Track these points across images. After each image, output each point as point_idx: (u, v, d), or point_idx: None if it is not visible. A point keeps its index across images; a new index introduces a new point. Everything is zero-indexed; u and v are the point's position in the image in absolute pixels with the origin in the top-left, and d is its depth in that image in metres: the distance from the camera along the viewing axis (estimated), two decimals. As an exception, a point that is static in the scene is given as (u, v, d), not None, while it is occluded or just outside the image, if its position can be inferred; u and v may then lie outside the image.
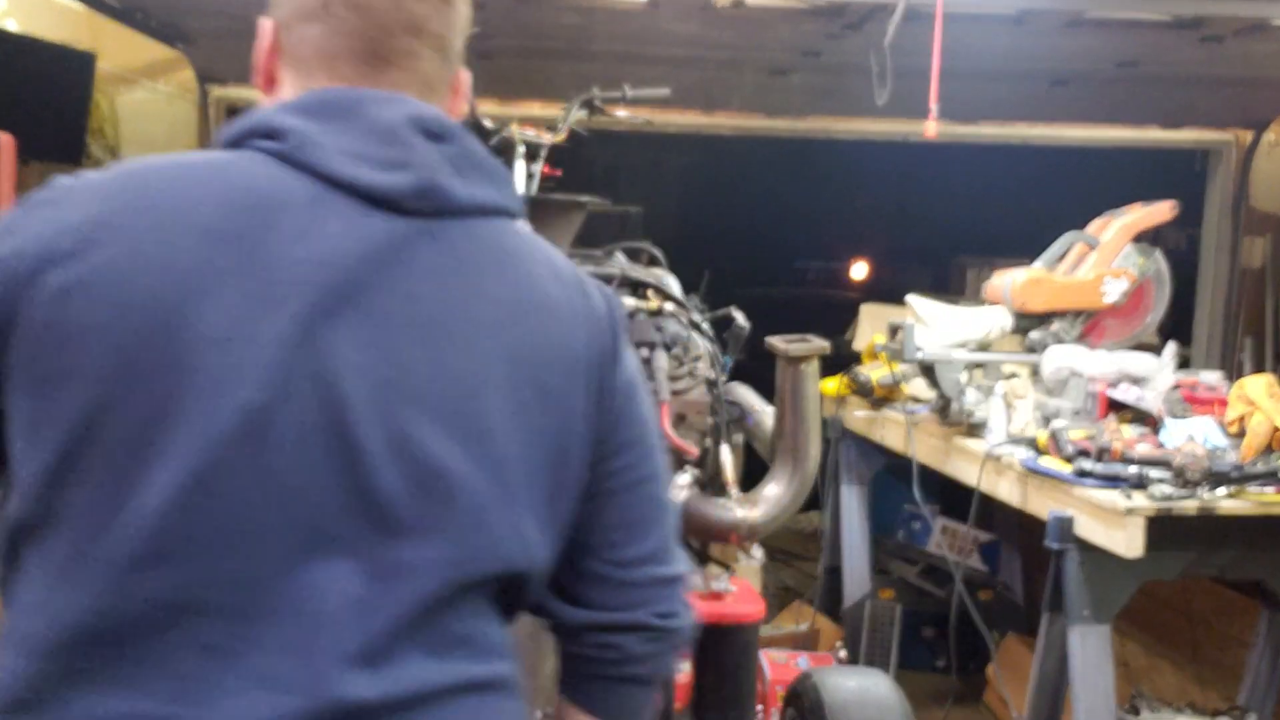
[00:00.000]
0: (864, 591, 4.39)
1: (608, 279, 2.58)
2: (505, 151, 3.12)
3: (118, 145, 4.22)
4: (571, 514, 1.17)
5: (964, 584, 3.56)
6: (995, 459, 3.20)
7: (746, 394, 2.84)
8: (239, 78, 4.89)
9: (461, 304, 1.08)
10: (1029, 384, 3.46)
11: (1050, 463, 3.01)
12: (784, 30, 4.29)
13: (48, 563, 0.99)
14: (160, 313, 0.98)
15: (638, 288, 2.58)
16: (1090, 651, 2.85)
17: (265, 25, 1.16)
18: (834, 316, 6.36)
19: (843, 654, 3.87)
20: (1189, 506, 2.72)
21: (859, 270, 9.02)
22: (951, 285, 7.21)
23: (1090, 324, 3.63)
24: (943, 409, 3.49)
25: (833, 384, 4.20)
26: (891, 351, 3.56)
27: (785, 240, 8.71)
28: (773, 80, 5.13)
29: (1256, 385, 2.98)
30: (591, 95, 3.28)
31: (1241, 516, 2.78)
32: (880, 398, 4.02)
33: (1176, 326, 4.77)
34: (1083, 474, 2.84)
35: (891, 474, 4.27)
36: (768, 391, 2.57)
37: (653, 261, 3.09)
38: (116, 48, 4.22)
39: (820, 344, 2.44)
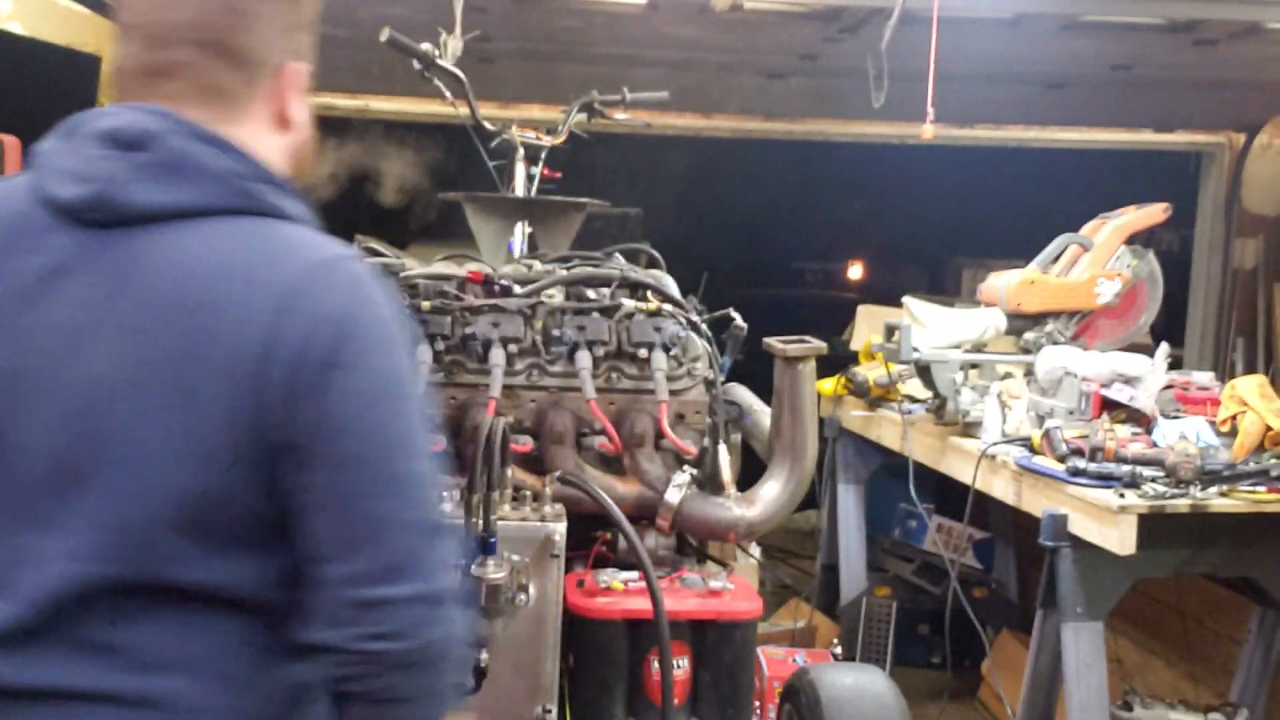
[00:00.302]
0: (860, 589, 4.41)
1: (607, 280, 2.61)
2: (506, 154, 3.16)
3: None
4: (254, 523, 1.15)
5: (959, 581, 3.57)
6: (990, 458, 3.23)
7: (744, 394, 2.86)
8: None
9: (109, 309, 1.14)
10: (1023, 384, 3.49)
11: (1044, 462, 3.04)
12: (781, 34, 4.31)
13: None
14: None
15: (636, 289, 2.60)
16: (1084, 648, 2.87)
17: None
18: (831, 317, 6.40)
19: (839, 650, 3.89)
20: (1181, 505, 2.75)
21: (856, 271, 9.03)
22: (947, 286, 7.23)
23: (1084, 325, 3.67)
24: (938, 409, 3.51)
25: (830, 384, 4.22)
26: (888, 352, 3.57)
27: (783, 242, 8.70)
28: (770, 83, 5.15)
29: (1248, 385, 3.01)
30: (591, 98, 3.30)
31: (1233, 515, 2.81)
32: (877, 397, 4.04)
33: (1169, 327, 4.81)
34: (1076, 473, 2.87)
35: (888, 473, 4.27)
36: (765, 392, 2.59)
37: (651, 263, 3.11)
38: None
39: (817, 344, 2.45)
